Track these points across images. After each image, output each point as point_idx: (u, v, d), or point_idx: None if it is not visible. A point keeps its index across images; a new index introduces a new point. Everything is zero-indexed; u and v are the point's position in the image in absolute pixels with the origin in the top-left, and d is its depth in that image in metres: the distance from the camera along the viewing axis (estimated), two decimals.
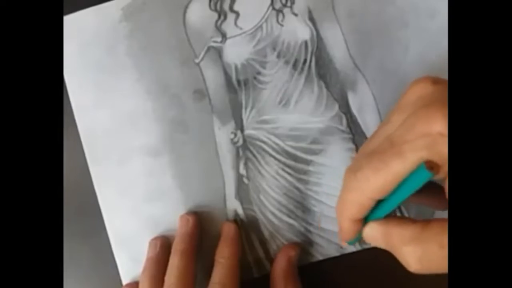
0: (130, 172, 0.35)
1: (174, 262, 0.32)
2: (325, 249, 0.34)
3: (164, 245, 0.34)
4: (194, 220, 0.34)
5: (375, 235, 0.24)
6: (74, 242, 0.35)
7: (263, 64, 0.34)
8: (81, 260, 0.35)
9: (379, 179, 0.22)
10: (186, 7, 0.35)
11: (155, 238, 0.34)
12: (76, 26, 0.35)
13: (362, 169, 0.23)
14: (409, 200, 0.24)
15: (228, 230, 0.34)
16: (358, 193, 0.23)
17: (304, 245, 0.34)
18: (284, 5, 0.34)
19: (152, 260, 0.33)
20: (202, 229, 0.34)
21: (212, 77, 0.35)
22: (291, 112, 0.34)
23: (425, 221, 0.22)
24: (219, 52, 0.35)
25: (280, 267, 0.33)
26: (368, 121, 0.34)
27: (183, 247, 0.32)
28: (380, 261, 0.30)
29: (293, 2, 0.34)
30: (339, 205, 0.25)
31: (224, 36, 0.35)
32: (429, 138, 0.20)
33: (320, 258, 0.34)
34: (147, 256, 0.34)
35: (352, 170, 0.23)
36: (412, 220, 0.22)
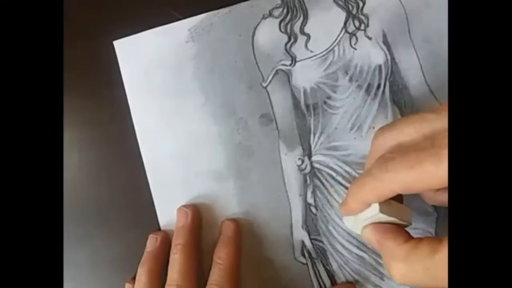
0: (194, 196, 0.34)
1: (175, 257, 0.31)
2: (396, 284, 0.32)
3: (163, 240, 0.33)
4: (193, 212, 0.32)
5: (371, 238, 0.25)
6: (73, 244, 0.34)
7: (334, 89, 0.33)
8: (80, 262, 0.34)
9: (409, 176, 0.22)
10: (255, 28, 0.33)
11: (155, 232, 0.33)
12: (141, 46, 0.34)
13: (395, 161, 0.22)
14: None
15: (226, 230, 0.32)
16: (383, 183, 0.23)
17: (375, 279, 0.33)
18: (358, 28, 0.33)
19: (151, 253, 0.32)
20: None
21: (280, 101, 0.34)
22: (364, 139, 0.33)
23: (417, 241, 0.22)
24: (287, 76, 0.33)
25: None
26: None
27: (183, 241, 0.31)
28: None
29: (367, 25, 0.33)
30: (355, 186, 0.25)
31: (293, 59, 0.33)
32: None
33: None
34: (146, 249, 0.33)
35: (384, 159, 0.23)
36: (406, 238, 0.23)
